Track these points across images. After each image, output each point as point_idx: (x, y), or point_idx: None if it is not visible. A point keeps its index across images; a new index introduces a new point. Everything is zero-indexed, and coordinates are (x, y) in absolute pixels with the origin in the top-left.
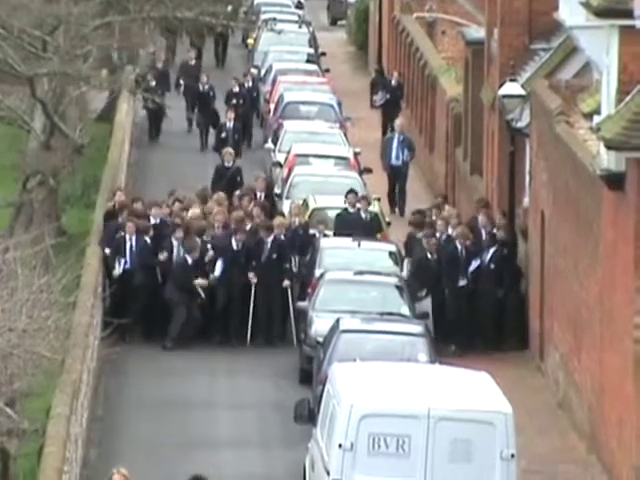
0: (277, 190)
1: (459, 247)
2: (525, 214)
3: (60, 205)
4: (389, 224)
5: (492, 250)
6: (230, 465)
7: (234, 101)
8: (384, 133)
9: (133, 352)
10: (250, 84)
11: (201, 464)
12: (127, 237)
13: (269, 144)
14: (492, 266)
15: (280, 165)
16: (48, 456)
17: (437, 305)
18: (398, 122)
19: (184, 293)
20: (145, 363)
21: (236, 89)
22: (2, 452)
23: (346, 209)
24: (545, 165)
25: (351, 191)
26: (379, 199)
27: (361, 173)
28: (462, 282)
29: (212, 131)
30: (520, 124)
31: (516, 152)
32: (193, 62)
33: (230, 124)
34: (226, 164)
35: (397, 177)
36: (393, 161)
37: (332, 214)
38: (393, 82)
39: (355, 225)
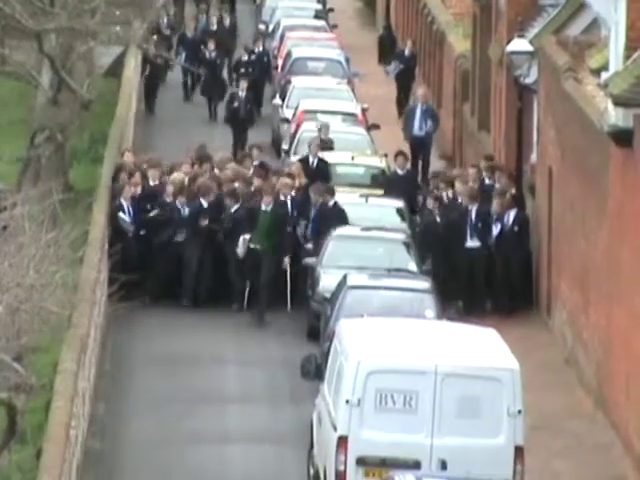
0: (285, 146)
1: (469, 208)
2: (533, 170)
3: (68, 160)
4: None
5: (513, 212)
6: (237, 420)
7: (242, 70)
8: (399, 104)
9: (141, 308)
10: (260, 49)
11: (208, 419)
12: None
13: (277, 100)
14: (516, 229)
15: (288, 121)
16: (56, 411)
17: (445, 267)
18: (421, 92)
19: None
20: (153, 319)
21: (245, 57)
22: (10, 407)
23: (395, 171)
24: (553, 121)
25: (401, 153)
26: (386, 155)
27: (369, 129)
28: (471, 243)
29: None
30: (528, 80)
31: (524, 108)
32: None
33: (242, 94)
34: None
35: (420, 148)
36: (416, 132)
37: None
38: (406, 52)
39: (403, 186)
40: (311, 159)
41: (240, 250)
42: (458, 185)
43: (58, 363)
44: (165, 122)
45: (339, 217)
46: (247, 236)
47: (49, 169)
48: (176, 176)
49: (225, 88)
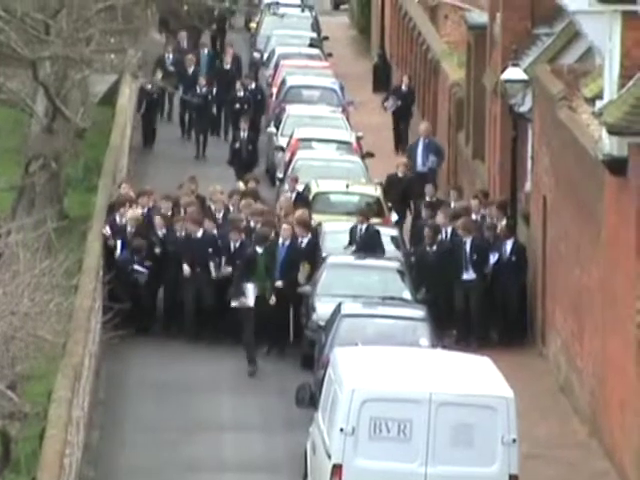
0: (279, 174)
1: (463, 240)
2: (527, 199)
3: (62, 189)
4: (391, 209)
5: (510, 242)
6: (232, 449)
7: (237, 106)
8: (396, 140)
9: (135, 336)
10: (253, 86)
11: (203, 448)
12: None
13: (271, 128)
14: (513, 258)
15: (282, 149)
16: (49, 440)
17: (439, 296)
18: (423, 127)
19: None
20: (147, 347)
21: (241, 93)
22: (3, 435)
23: (396, 173)
24: (547, 150)
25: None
26: (381, 183)
27: (363, 157)
28: (466, 275)
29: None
30: (522, 109)
31: (518, 137)
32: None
33: (244, 134)
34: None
35: (394, 182)
36: (419, 167)
37: (335, 198)
38: (403, 87)
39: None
40: (289, 193)
41: (251, 299)
42: (441, 217)
43: (52, 391)
44: (161, 156)
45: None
46: (251, 284)
47: (43, 197)
48: (132, 213)
49: (216, 125)
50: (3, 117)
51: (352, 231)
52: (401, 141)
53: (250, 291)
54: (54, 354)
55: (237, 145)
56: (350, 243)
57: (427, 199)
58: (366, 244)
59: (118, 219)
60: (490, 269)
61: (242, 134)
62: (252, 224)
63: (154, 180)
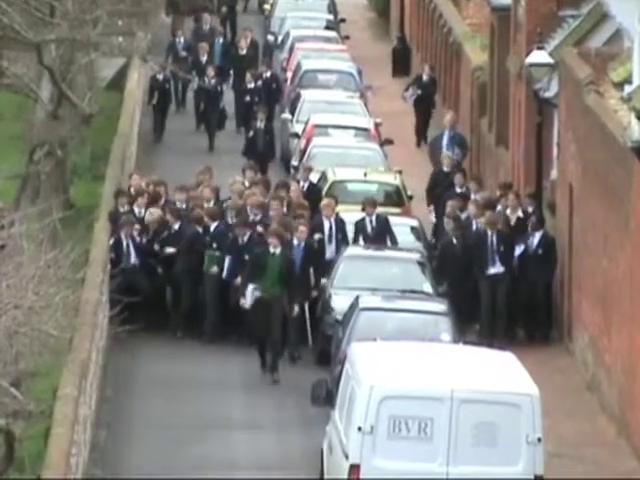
0: (294, 162)
1: (489, 233)
2: (553, 188)
3: (68, 177)
4: (411, 198)
5: (538, 235)
6: (244, 448)
7: (247, 99)
8: (418, 133)
9: (144, 331)
10: (268, 75)
11: (214, 446)
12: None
13: (286, 114)
14: (540, 252)
15: (298, 136)
16: (55, 438)
17: (463, 289)
18: (448, 117)
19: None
20: (156, 342)
21: (251, 85)
22: (7, 434)
23: (441, 169)
24: (574, 137)
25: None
26: (400, 171)
27: (382, 144)
28: (493, 269)
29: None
30: (548, 94)
31: (543, 123)
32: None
33: (261, 124)
34: None
35: (440, 178)
36: None
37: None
38: (425, 77)
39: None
40: (302, 183)
41: (248, 301)
42: (472, 208)
43: (58, 388)
44: (172, 146)
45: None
46: (254, 285)
47: (49, 186)
48: (151, 216)
49: (225, 117)
50: (6, 102)
51: (360, 225)
52: (423, 133)
53: (249, 293)
54: (60, 350)
55: (252, 134)
56: (356, 238)
57: (457, 190)
58: (379, 236)
59: (137, 210)
60: (516, 262)
61: (259, 124)
62: (251, 217)
63: (164, 171)
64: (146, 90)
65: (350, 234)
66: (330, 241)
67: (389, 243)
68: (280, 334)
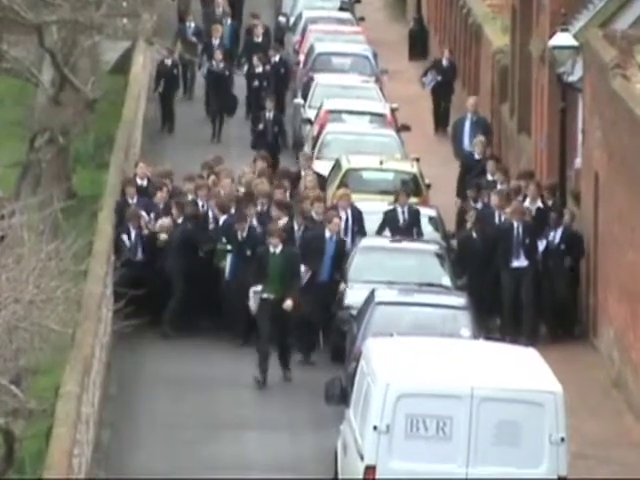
0: (307, 149)
1: (515, 224)
2: (577, 177)
3: (70, 165)
4: (429, 187)
5: (560, 230)
6: (255, 449)
7: (256, 83)
8: (436, 119)
9: (149, 326)
10: (277, 59)
11: (223, 447)
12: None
13: (298, 99)
14: (562, 247)
15: (310, 122)
16: (57, 438)
17: (483, 283)
18: (471, 101)
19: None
20: (168, 338)
21: (259, 69)
22: (7, 434)
23: (471, 154)
24: (599, 123)
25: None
26: (417, 159)
27: (398, 131)
28: (517, 262)
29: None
30: (572, 78)
31: (567, 109)
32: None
33: (269, 114)
34: None
35: (471, 165)
36: (466, 147)
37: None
38: (444, 62)
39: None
40: (303, 173)
41: (252, 304)
42: (495, 199)
43: (60, 386)
44: (180, 135)
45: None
46: (257, 288)
47: (50, 174)
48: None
49: (235, 104)
50: (6, 87)
51: (390, 215)
52: (441, 120)
53: (251, 296)
54: (61, 345)
55: (261, 127)
56: (382, 229)
57: (489, 177)
58: (409, 228)
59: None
60: (539, 257)
61: (267, 114)
62: (258, 207)
63: (171, 160)
64: (152, 75)
65: (369, 224)
66: (346, 233)
67: (415, 236)
68: (287, 338)
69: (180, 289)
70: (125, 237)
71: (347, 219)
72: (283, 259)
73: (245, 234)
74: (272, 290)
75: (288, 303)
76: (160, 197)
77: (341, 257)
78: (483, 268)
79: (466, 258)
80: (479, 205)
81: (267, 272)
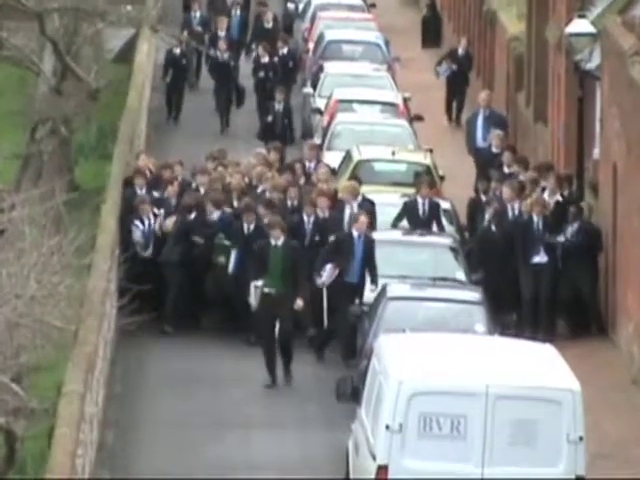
0: (317, 140)
1: (535, 219)
2: (595, 167)
3: (72, 157)
4: (443, 178)
5: (576, 225)
6: (263, 448)
7: (261, 74)
8: (448, 111)
9: (155, 322)
10: (285, 51)
11: (231, 447)
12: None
13: (308, 88)
14: (581, 241)
15: (320, 112)
16: (59, 438)
17: (500, 278)
18: (482, 96)
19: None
20: (169, 335)
21: (265, 59)
22: (8, 433)
23: (489, 148)
24: (618, 112)
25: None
26: (431, 150)
27: (411, 121)
28: (538, 258)
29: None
30: (590, 66)
31: (585, 97)
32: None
33: (279, 106)
34: None
35: (487, 160)
36: (479, 143)
37: (380, 166)
38: (460, 51)
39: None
40: (307, 164)
41: (253, 300)
42: (507, 191)
43: (62, 384)
44: (186, 127)
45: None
46: (258, 282)
47: (52, 166)
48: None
49: (243, 95)
50: (6, 76)
51: (409, 206)
52: (457, 113)
53: (252, 291)
54: (64, 342)
55: (270, 119)
56: (399, 220)
57: (505, 170)
58: (428, 220)
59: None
60: (559, 251)
61: (277, 106)
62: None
63: (177, 152)
64: (160, 65)
65: (383, 217)
66: (350, 228)
67: (435, 229)
68: (289, 334)
69: (175, 283)
70: (136, 230)
71: (351, 213)
72: (285, 252)
73: (252, 227)
74: (273, 285)
75: (299, 304)
76: (172, 191)
77: (370, 257)
78: (502, 262)
79: (484, 252)
80: (487, 198)
81: (268, 266)
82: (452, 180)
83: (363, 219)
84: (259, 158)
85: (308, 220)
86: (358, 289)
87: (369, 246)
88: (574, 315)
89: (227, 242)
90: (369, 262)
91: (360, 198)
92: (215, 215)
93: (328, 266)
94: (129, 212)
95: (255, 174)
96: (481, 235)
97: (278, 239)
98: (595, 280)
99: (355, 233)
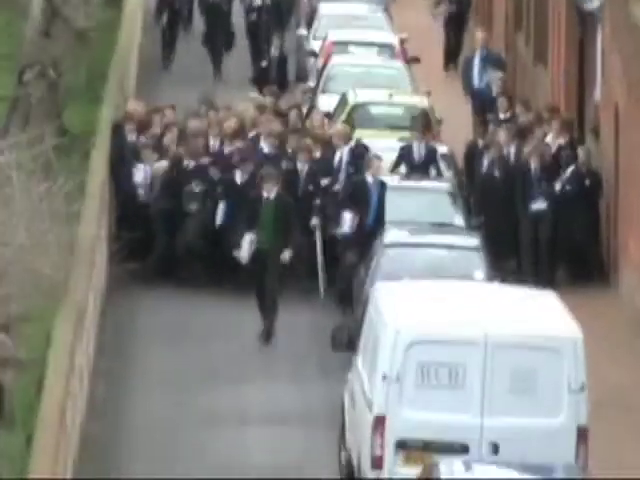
0: (311, 83)
1: (532, 165)
2: (596, 110)
3: (61, 101)
4: (440, 122)
5: (571, 169)
6: (257, 399)
7: (254, 16)
8: (446, 55)
9: (148, 271)
10: None
11: (225, 399)
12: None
13: (302, 30)
14: (579, 186)
15: (315, 54)
16: (49, 390)
17: (500, 223)
18: (479, 35)
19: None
20: (162, 284)
21: (258, 1)
22: None
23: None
24: (619, 54)
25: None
26: (429, 93)
27: (408, 63)
28: (536, 205)
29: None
30: (590, 6)
31: (586, 39)
32: None
33: (276, 52)
34: None
35: (483, 105)
36: (476, 84)
37: (376, 110)
38: None
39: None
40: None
41: (244, 254)
42: (503, 135)
43: (51, 334)
44: (178, 72)
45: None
46: (253, 236)
47: (40, 110)
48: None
49: (233, 38)
50: None
51: (405, 150)
52: (454, 56)
53: (246, 244)
54: (53, 291)
55: (264, 64)
56: (397, 165)
57: (500, 115)
58: (425, 166)
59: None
60: (557, 197)
61: (272, 51)
62: (266, 149)
63: (168, 98)
64: (151, 6)
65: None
66: (338, 173)
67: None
68: (275, 292)
69: (161, 233)
70: (137, 173)
71: (341, 158)
72: (277, 206)
73: (247, 177)
74: (264, 239)
75: (286, 255)
76: (170, 139)
77: (383, 200)
78: (503, 207)
79: (485, 197)
80: (485, 142)
81: (258, 220)
82: (450, 124)
83: (378, 163)
84: (253, 102)
85: (302, 168)
86: (375, 234)
87: (382, 191)
88: (574, 262)
89: (197, 189)
90: (382, 206)
91: (352, 143)
92: (191, 164)
93: (347, 215)
94: (119, 158)
95: (248, 118)
96: (482, 180)
97: (270, 192)
98: (595, 226)
99: (370, 178)
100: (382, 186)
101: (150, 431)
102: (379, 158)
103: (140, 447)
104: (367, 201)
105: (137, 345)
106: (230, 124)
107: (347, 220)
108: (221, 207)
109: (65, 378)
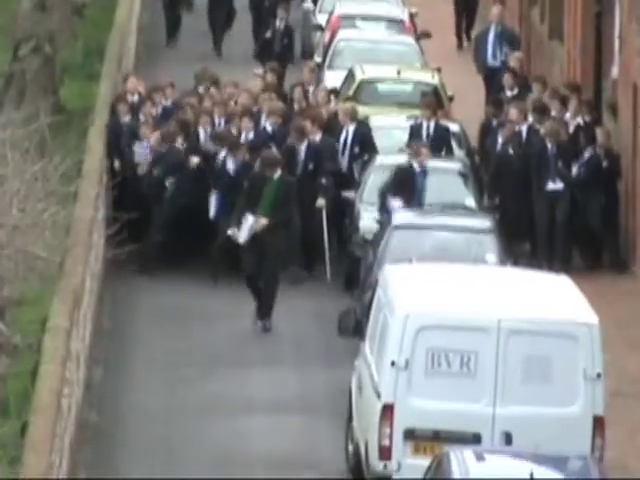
0: (317, 59)
1: (549, 145)
2: (614, 87)
3: (57, 76)
4: (452, 99)
5: (589, 151)
6: (261, 387)
7: None
8: (458, 32)
9: (147, 254)
10: None
11: (226, 386)
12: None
13: (308, 3)
14: (593, 171)
15: (321, 29)
16: (44, 376)
17: (514, 205)
18: (495, 10)
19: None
20: (160, 267)
21: None
22: None
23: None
24: (638, 29)
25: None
26: (439, 69)
27: (418, 38)
28: (552, 186)
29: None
30: None
31: (603, 12)
32: None
33: (281, 24)
34: None
35: (497, 82)
36: (489, 61)
37: (384, 86)
38: None
39: None
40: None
41: (244, 234)
42: (514, 112)
43: (47, 319)
44: (178, 48)
45: None
46: (250, 217)
47: (36, 86)
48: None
49: (233, 15)
50: None
51: (414, 129)
52: (466, 32)
53: (246, 225)
54: (49, 274)
55: (269, 35)
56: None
57: (507, 93)
58: (436, 145)
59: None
60: (574, 178)
61: (278, 23)
62: (268, 127)
63: (167, 75)
64: None
65: (388, 140)
66: (343, 153)
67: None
68: (274, 273)
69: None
70: (139, 150)
71: (346, 137)
72: (279, 186)
73: (240, 164)
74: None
75: (262, 221)
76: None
77: (424, 188)
78: (519, 188)
79: (500, 177)
80: (498, 120)
81: (259, 200)
82: (462, 101)
83: (425, 151)
84: (257, 79)
85: (300, 148)
86: None
87: (425, 178)
88: (589, 247)
89: (158, 173)
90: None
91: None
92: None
93: (396, 203)
94: (116, 137)
95: (252, 95)
96: (497, 159)
97: (273, 172)
98: (613, 210)
99: (417, 167)
100: (426, 173)
101: (148, 418)
102: (426, 146)
103: (138, 434)
104: (413, 188)
105: (135, 330)
106: (242, 100)
107: (395, 207)
108: (214, 198)
109: (61, 364)
